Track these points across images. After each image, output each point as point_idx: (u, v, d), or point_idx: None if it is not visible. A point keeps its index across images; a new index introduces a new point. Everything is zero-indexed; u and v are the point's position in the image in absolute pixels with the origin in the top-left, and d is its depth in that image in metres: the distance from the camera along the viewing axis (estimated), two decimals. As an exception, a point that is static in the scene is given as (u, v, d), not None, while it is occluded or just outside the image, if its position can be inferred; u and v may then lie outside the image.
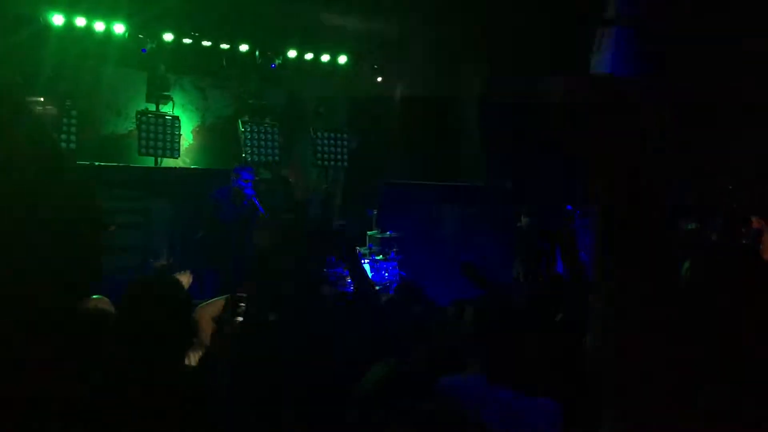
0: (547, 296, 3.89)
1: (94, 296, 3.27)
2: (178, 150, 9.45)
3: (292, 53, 9.88)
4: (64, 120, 8.56)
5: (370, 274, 8.23)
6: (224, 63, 9.64)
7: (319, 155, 10.33)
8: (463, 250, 9.55)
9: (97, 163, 8.30)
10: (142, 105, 9.41)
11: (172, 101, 9.61)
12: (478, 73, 10.61)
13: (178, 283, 2.58)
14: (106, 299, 3.26)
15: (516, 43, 9.21)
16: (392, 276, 8.38)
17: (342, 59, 10.20)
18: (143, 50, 8.84)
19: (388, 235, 8.73)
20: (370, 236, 8.92)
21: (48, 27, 8.30)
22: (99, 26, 8.60)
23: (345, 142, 10.49)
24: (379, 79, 10.68)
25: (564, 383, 2.62)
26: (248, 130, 9.91)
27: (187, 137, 9.94)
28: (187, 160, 9.93)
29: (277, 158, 9.97)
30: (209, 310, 3.13)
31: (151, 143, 9.20)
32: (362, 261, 8.21)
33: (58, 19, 8.34)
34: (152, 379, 2.20)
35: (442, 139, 10.97)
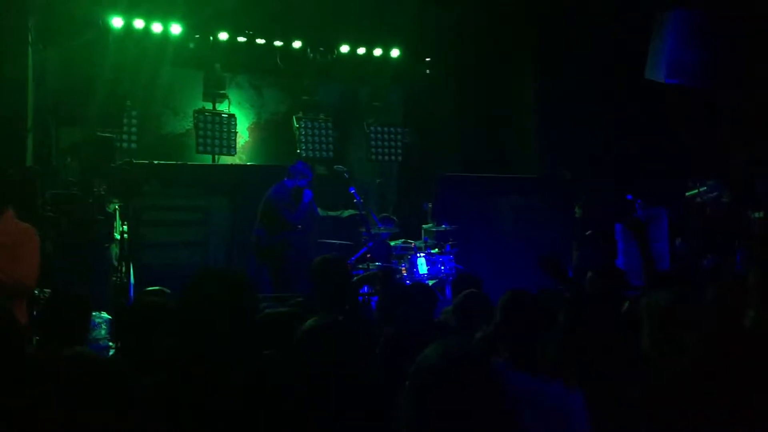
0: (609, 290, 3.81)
1: (153, 288, 3.35)
2: (235, 147, 9.59)
3: (344, 48, 9.89)
4: (125, 120, 8.78)
5: (426, 269, 8.17)
6: (278, 60, 9.71)
7: (373, 149, 10.34)
8: (518, 242, 9.42)
9: (156, 162, 8.48)
10: (199, 104, 9.58)
11: (228, 99, 9.75)
12: (531, 62, 10.46)
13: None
14: (165, 290, 3.34)
15: (566, 32, 9.06)
16: (448, 269, 8.31)
17: (395, 53, 10.16)
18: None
19: (443, 228, 8.66)
20: (426, 230, 8.87)
21: (108, 30, 8.50)
22: (156, 27, 8.78)
23: (399, 136, 10.47)
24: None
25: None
26: (303, 126, 9.98)
27: (243, 134, 10.07)
28: (243, 157, 10.06)
29: (331, 154, 10.02)
30: None
31: (208, 141, 9.38)
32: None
33: (117, 22, 8.53)
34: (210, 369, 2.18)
35: (496, 130, 10.85)
